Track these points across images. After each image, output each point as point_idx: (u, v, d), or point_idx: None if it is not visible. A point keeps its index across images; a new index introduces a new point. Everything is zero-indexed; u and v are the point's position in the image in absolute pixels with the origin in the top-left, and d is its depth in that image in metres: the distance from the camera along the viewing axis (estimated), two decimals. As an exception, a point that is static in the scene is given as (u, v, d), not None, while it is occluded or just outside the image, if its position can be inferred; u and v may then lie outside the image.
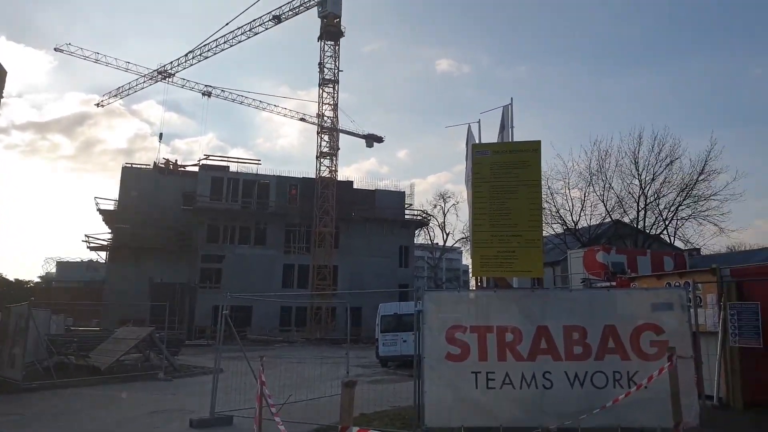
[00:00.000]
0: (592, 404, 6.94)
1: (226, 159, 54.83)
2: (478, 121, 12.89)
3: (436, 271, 73.78)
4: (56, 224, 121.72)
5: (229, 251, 46.38)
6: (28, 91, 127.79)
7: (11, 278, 49.17)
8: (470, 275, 72.88)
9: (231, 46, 49.79)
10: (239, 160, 58.09)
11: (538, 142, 9.00)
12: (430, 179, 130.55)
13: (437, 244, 68.04)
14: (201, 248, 45.69)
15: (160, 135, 53.36)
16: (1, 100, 22.84)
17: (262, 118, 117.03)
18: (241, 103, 55.36)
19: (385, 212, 50.98)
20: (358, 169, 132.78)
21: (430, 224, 61.02)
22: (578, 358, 7.35)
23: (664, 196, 35.59)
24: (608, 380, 7.17)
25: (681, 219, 35.61)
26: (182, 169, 52.71)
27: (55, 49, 51.97)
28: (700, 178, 34.02)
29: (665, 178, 35.21)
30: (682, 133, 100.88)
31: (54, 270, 61.31)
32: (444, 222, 64.35)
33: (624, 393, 6.75)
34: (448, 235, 65.72)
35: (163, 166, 51.41)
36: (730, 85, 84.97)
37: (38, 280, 58.36)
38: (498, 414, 7.47)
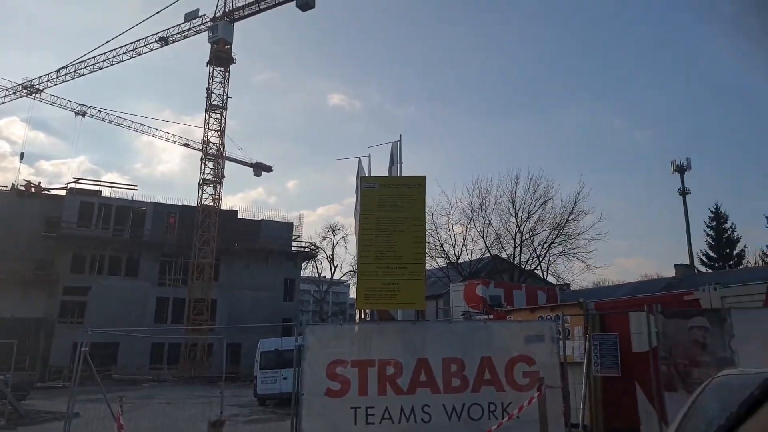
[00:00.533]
0: (469, 435, 7.01)
1: (98, 183, 50.93)
2: (369, 156, 13.07)
3: (322, 305, 72.97)
4: None
5: (96, 282, 42.68)
6: None
7: None
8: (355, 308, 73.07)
9: (111, 64, 46.91)
10: (113, 185, 54.40)
11: (423, 178, 9.22)
12: (320, 211, 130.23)
13: (324, 276, 67.49)
14: (63, 279, 41.70)
15: (22, 154, 48.77)
16: None
17: (142, 142, 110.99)
18: (120, 125, 51.94)
19: (271, 243, 49.62)
20: (244, 198, 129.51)
21: (318, 256, 60.52)
22: (456, 390, 7.43)
23: (538, 233, 37.95)
24: (484, 412, 7.29)
25: (553, 255, 38.10)
26: (46, 192, 48.22)
27: None
28: (570, 218, 36.71)
29: (539, 216, 37.63)
30: (555, 175, 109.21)
31: None
32: (333, 254, 64.08)
33: (496, 423, 6.89)
34: (336, 267, 65.49)
35: (23, 188, 46.72)
36: (595, 134, 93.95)
37: None
38: (378, 451, 7.33)
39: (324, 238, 63.24)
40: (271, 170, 58.29)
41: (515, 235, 37.90)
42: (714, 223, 41.58)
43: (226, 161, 49.24)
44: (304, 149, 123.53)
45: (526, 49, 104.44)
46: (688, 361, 7.37)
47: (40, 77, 47.36)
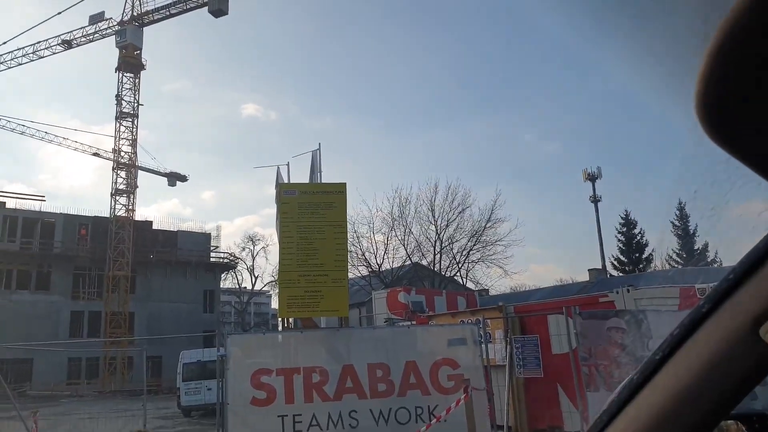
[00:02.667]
0: (396, 439, 7.13)
1: (3, 194, 47.60)
2: (287, 164, 13.06)
3: (243, 316, 71.32)
4: None
5: (3, 297, 40.29)
6: None
7: None
8: (278, 317, 71.97)
9: (9, 68, 44.12)
10: (19, 196, 50.87)
11: (344, 185, 9.29)
12: (238, 222, 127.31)
13: (245, 288, 66.04)
14: (-33, 294, 38.98)
15: None
16: None
17: (48, 152, 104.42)
18: (23, 133, 48.60)
19: (188, 255, 48.29)
20: (158, 209, 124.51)
21: (238, 267, 59.21)
22: (382, 395, 7.52)
23: (457, 241, 38.98)
24: (411, 415, 7.42)
25: (472, 262, 39.23)
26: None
27: None
28: (487, 225, 37.98)
29: (458, 224, 38.68)
30: (472, 184, 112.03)
31: None
32: (253, 265, 62.84)
33: (423, 426, 7.04)
34: (257, 278, 64.24)
35: None
36: (508, 146, 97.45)
37: None
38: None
39: (243, 249, 61.91)
40: (186, 180, 56.46)
41: (435, 242, 38.84)
42: (624, 229, 43.76)
43: (139, 171, 47.38)
44: (219, 160, 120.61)
45: (440, 60, 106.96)
46: (608, 361, 7.75)
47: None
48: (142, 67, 46.04)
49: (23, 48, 43.59)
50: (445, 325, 10.17)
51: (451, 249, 39.03)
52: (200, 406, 19.53)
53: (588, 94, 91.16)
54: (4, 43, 43.60)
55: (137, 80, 45.80)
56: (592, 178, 42.63)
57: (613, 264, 43.19)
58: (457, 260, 39.11)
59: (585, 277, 35.47)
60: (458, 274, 39.57)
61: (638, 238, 43.40)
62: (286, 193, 8.91)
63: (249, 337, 8.21)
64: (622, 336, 7.70)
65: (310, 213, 8.73)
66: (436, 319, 12.62)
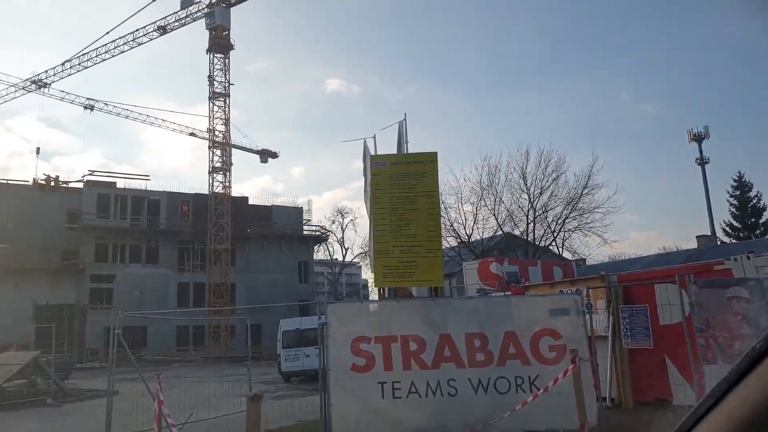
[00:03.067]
0: (497, 409, 7.06)
1: (112, 174, 51.42)
2: (374, 137, 13.09)
3: (336, 286, 73.48)
4: None
5: (119, 270, 43.88)
6: None
7: None
8: (371, 287, 73.35)
9: (113, 56, 46.75)
10: (127, 176, 54.74)
11: (434, 154, 9.17)
12: (326, 196, 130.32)
13: (336, 259, 67.86)
14: (89, 268, 42.88)
15: (37, 149, 49.10)
16: None
17: (149, 135, 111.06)
18: (127, 117, 51.87)
19: (282, 228, 50.20)
20: (252, 185, 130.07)
21: (329, 240, 60.82)
22: (481, 364, 7.46)
23: (551, 209, 37.55)
24: (511, 385, 7.32)
25: (568, 231, 37.70)
26: (65, 185, 48.90)
27: None
28: (584, 192, 36.25)
29: (552, 192, 37.21)
30: (566, 149, 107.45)
31: None
32: (343, 237, 64.34)
33: (527, 396, 6.91)
34: (347, 250, 65.76)
35: (43, 182, 47.47)
36: (603, 107, 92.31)
37: None
38: (405, 423, 7.45)
39: (333, 222, 63.48)
40: (277, 156, 58.22)
41: (528, 211, 37.62)
42: (737, 192, 40.70)
43: (233, 149, 49.38)
44: (306, 136, 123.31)
45: (527, 21, 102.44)
46: (729, 333, 7.21)
47: (46, 71, 47.49)
48: (231, 47, 47.59)
49: (124, 36, 46.26)
50: (545, 296, 9.90)
51: (546, 218, 37.74)
52: (299, 372, 20.32)
53: (694, 46, 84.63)
54: (107, 33, 46.51)
55: (227, 60, 47.44)
56: (699, 138, 39.77)
57: (724, 230, 40.35)
58: (552, 229, 37.79)
59: (692, 244, 33.39)
60: (553, 243, 38.27)
61: (754, 201, 40.19)
62: (376, 165, 8.92)
63: (347, 306, 8.34)
64: (745, 306, 7.13)
65: (402, 184, 8.71)
66: (532, 289, 12.31)
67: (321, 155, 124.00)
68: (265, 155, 57.23)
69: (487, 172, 38.24)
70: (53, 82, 47.73)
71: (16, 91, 48.06)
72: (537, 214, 37.51)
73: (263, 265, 48.12)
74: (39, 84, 47.58)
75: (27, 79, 47.27)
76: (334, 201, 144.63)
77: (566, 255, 37.39)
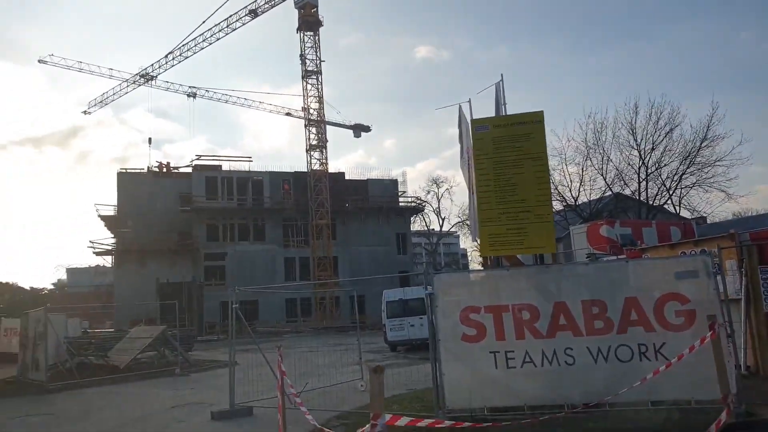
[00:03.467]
0: (619, 378, 6.71)
1: (217, 158, 54.37)
2: (469, 101, 12.77)
3: (434, 256, 73.63)
4: (62, 233, 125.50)
5: (230, 248, 46.66)
6: (23, 107, 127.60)
7: (26, 287, 49.46)
8: (470, 256, 72.76)
9: (210, 44, 49.02)
10: (231, 159, 57.67)
11: (541, 113, 8.74)
12: (420, 166, 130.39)
13: (433, 229, 67.85)
14: (202, 247, 45.97)
15: (149, 139, 52.88)
16: None
17: (247, 118, 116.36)
18: (227, 102, 54.58)
19: (379, 201, 50.94)
20: (346, 161, 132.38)
21: (425, 210, 60.84)
22: (600, 332, 7.08)
23: (665, 165, 35.04)
24: (633, 353, 6.90)
25: (685, 187, 35.05)
26: (176, 171, 52.38)
27: (39, 61, 51.12)
28: (703, 145, 33.41)
29: (666, 146, 34.66)
30: (680, 99, 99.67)
31: (65, 276, 62.64)
32: (439, 207, 64.16)
33: (653, 365, 6.51)
34: (443, 219, 65.55)
35: (157, 169, 51.14)
36: (721, 50, 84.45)
37: (51, 286, 59.83)
38: (521, 393, 7.25)
39: (428, 192, 63.34)
40: (370, 130, 58.69)
41: (639, 169, 35.37)
42: None
43: (328, 125, 50.38)
44: (397, 107, 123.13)
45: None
46: None
47: (152, 65, 50.85)
48: (320, 23, 48.26)
49: (219, 24, 48.18)
50: (669, 258, 9.22)
51: (659, 175, 35.31)
52: (405, 341, 20.57)
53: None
54: (203, 22, 48.61)
55: (317, 37, 48.20)
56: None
57: None
58: (667, 186, 35.33)
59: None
60: (669, 202, 35.81)
61: None
62: (478, 129, 8.62)
63: (455, 276, 8.21)
64: None
65: (507, 147, 8.38)
66: (650, 252, 11.54)
67: (412, 126, 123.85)
68: (358, 130, 57.93)
69: (592, 130, 36.39)
70: (159, 74, 51.09)
71: (128, 85, 51.84)
72: (649, 171, 35.20)
73: (362, 237, 49.24)
74: (147, 77, 50.97)
75: (136, 74, 50.86)
76: (427, 171, 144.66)
77: (684, 214, 34.89)
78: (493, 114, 13.56)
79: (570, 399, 6.99)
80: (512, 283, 7.69)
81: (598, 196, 36.69)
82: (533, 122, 8.55)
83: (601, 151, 35.81)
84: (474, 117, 9.69)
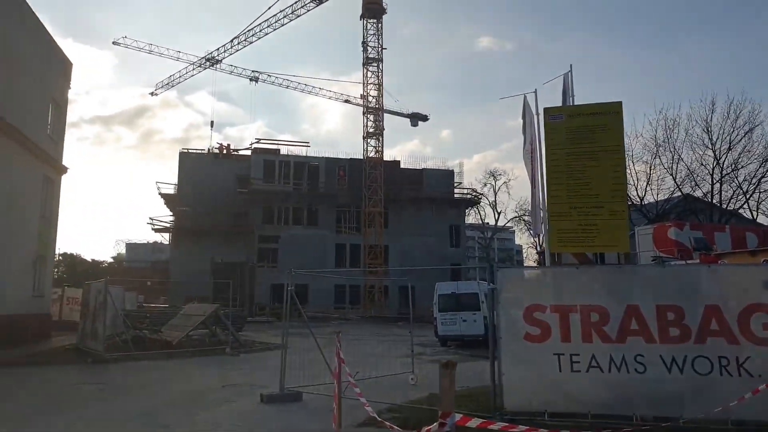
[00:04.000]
0: (694, 392, 6.26)
1: (276, 142, 55.22)
2: (535, 92, 12.36)
3: (488, 251, 72.47)
4: (124, 209, 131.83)
5: (283, 232, 47.19)
6: (94, 87, 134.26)
7: (88, 259, 51.62)
8: (526, 252, 71.26)
9: (274, 30, 49.63)
10: (289, 143, 58.43)
11: (619, 104, 8.30)
12: (476, 158, 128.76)
13: (488, 223, 66.69)
14: (257, 229, 46.63)
15: (212, 122, 54.57)
16: (69, 93, 23.88)
17: (306, 104, 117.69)
18: (287, 87, 55.38)
19: (433, 191, 50.33)
20: (401, 150, 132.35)
21: (481, 203, 59.84)
22: (675, 340, 6.61)
23: (743, 167, 33.10)
24: (713, 366, 6.39)
25: (765, 191, 33.13)
26: (236, 153, 53.43)
27: (113, 43, 53.62)
28: (786, 147, 31.41)
29: (744, 147, 32.74)
30: (761, 97, 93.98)
31: (124, 251, 65.26)
32: (495, 200, 62.98)
33: (735, 381, 6.02)
34: (499, 214, 64.35)
35: (217, 151, 52.32)
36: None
37: (111, 260, 62.25)
38: (586, 399, 6.87)
39: (485, 185, 62.14)
40: (427, 119, 58.20)
41: (713, 169, 33.48)
42: None
43: (385, 113, 50.30)
44: (455, 97, 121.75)
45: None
46: None
47: (217, 49, 52.06)
48: (383, 11, 48.12)
49: (284, 10, 48.67)
50: (755, 265, 8.59)
51: (736, 177, 33.41)
52: (456, 337, 20.12)
53: None
54: (269, 8, 49.18)
55: (379, 25, 48.08)
56: None
57: None
58: (744, 190, 33.35)
59: None
60: (745, 206, 33.88)
61: None
62: (551, 119, 8.23)
63: (521, 271, 7.85)
64: None
65: (581, 138, 7.99)
66: (727, 258, 10.84)
67: (470, 117, 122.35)
68: (416, 118, 57.55)
69: (663, 127, 34.75)
70: (223, 58, 52.22)
71: (194, 68, 53.26)
72: (725, 172, 33.27)
73: (415, 228, 48.80)
74: (212, 61, 52.22)
75: (202, 57, 52.33)
76: (484, 163, 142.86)
77: (761, 219, 32.84)
78: (560, 104, 12.99)
79: (638, 410, 6.57)
80: (581, 282, 7.30)
81: (666, 197, 35.06)
82: (611, 113, 8.13)
83: (671, 150, 34.21)
84: (537, 110, 9.29)
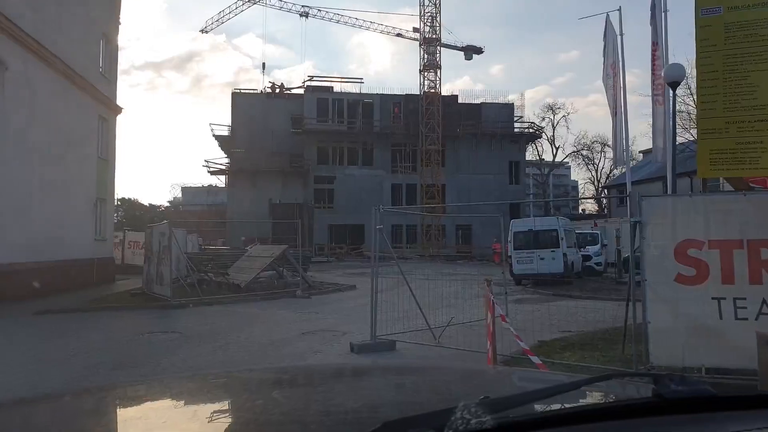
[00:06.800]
0: None
1: (329, 79, 53.57)
2: (619, 9, 10.70)
3: (544, 188, 70.09)
4: (179, 152, 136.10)
5: (339, 172, 46.38)
6: (144, 34, 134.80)
7: (146, 203, 52.62)
8: (590, 188, 68.66)
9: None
10: (342, 80, 56.56)
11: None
12: (528, 94, 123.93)
13: (544, 159, 64.13)
14: (313, 170, 45.97)
15: (263, 64, 53.31)
16: (120, 37, 23.14)
17: (353, 44, 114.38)
18: (338, 21, 53.09)
19: (492, 126, 48.06)
20: (452, 88, 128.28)
21: (541, 138, 57.30)
22: None
23: None
24: None
25: None
26: (288, 92, 52.24)
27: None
28: None
29: None
30: None
31: (180, 195, 66.19)
32: (554, 135, 60.29)
33: None
34: (557, 149, 61.71)
35: (269, 90, 51.18)
36: None
37: (167, 204, 63.20)
38: (752, 353, 5.67)
39: (543, 119, 59.28)
40: (482, 52, 55.14)
41: None
42: None
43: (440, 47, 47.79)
44: (507, 31, 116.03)
45: None
46: None
47: (266, -18, 49.91)
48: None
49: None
50: None
51: None
52: (532, 275, 19.06)
53: None
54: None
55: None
56: None
57: None
58: None
59: None
60: None
61: None
62: (704, 13, 6.68)
63: (671, 201, 6.56)
64: None
65: (745, 36, 6.44)
66: None
67: (523, 50, 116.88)
68: (470, 51, 54.73)
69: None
70: (272, -8, 50.21)
71: (243, 4, 51.53)
72: None
73: (473, 165, 47.10)
74: (260, -5, 50.35)
75: (251, -8, 50.30)
76: (536, 99, 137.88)
77: None
78: (647, 20, 11.35)
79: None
80: (749, 213, 5.98)
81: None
82: (786, 3, 6.52)
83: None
84: (624, 28, 7.75)
